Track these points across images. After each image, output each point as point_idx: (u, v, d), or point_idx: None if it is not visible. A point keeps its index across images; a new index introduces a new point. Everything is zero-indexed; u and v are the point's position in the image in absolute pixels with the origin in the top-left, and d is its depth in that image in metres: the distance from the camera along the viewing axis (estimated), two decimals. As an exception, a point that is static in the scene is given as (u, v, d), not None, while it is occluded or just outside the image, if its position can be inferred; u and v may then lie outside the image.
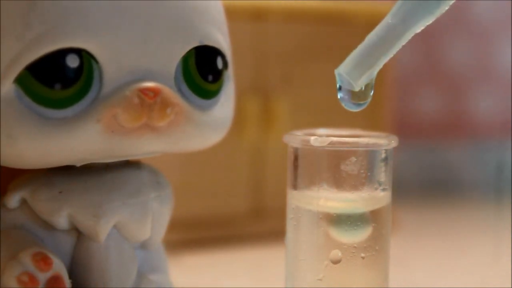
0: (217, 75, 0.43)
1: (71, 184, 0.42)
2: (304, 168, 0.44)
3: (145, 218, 0.43)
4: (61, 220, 0.41)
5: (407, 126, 1.25)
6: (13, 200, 0.42)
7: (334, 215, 0.43)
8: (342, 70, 0.41)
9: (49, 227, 0.42)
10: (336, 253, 0.43)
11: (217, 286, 0.51)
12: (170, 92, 0.40)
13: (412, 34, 0.40)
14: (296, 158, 0.44)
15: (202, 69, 0.42)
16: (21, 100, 0.38)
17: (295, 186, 0.44)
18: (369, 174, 0.43)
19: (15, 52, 0.37)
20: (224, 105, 0.45)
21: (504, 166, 1.24)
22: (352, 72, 0.40)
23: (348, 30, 0.90)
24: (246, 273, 0.62)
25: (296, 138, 0.44)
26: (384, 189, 0.44)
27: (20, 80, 0.37)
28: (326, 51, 0.90)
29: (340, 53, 0.94)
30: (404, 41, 0.40)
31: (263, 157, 0.87)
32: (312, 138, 0.43)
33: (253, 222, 0.86)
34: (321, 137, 0.43)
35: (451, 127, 1.29)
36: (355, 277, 0.44)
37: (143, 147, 0.41)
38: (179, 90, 0.42)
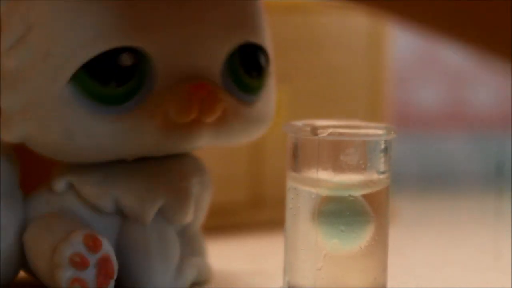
0: (261, 71, 0.45)
1: (117, 169, 0.43)
2: (303, 158, 0.44)
3: (188, 202, 0.44)
4: (108, 204, 0.43)
5: (407, 117, 1.25)
6: (60, 184, 0.43)
7: (333, 202, 0.43)
8: None
9: (95, 210, 0.43)
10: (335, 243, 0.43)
11: (216, 275, 0.51)
12: (218, 88, 0.42)
13: None
14: (295, 148, 0.44)
15: (246, 65, 0.44)
16: (77, 98, 0.39)
17: (294, 176, 0.44)
18: (368, 164, 0.43)
19: (70, 51, 0.38)
20: (267, 100, 0.46)
21: (504, 158, 1.24)
22: None
23: (348, 20, 0.90)
24: (245, 263, 0.63)
25: (295, 129, 0.44)
26: (383, 180, 0.44)
27: (75, 79, 0.39)
28: (326, 42, 0.90)
29: (340, 43, 0.94)
30: None
31: (263, 147, 0.87)
32: (312, 128, 0.43)
33: (252, 212, 0.86)
34: (321, 127, 0.43)
35: (451, 118, 1.29)
36: (354, 267, 0.44)
37: (192, 141, 0.42)
38: (226, 86, 0.43)
